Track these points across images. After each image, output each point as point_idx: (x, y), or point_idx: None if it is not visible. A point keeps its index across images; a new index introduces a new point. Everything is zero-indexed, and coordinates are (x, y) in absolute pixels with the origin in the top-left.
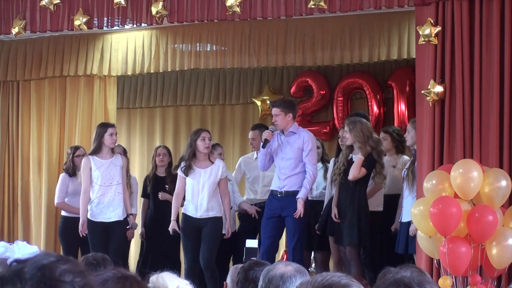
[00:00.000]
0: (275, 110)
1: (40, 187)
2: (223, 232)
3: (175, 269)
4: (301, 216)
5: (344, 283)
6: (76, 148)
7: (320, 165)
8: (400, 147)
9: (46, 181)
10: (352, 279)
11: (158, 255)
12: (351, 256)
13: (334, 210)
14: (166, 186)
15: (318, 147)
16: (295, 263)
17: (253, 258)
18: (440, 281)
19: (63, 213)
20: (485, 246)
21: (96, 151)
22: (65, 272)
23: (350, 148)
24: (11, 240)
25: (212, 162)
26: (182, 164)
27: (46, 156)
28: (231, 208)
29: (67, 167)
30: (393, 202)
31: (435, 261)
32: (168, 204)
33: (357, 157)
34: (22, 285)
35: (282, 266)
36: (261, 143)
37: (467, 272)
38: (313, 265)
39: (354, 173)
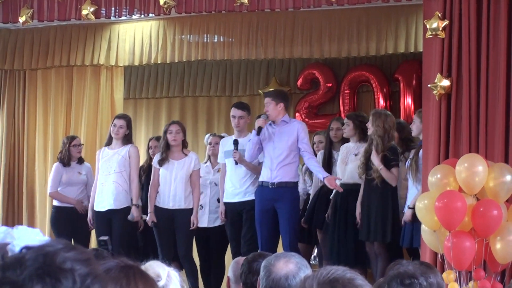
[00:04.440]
0: (266, 99)
1: (45, 176)
2: (192, 223)
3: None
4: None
5: (349, 277)
6: (73, 137)
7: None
8: (362, 134)
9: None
10: (355, 272)
11: (150, 245)
12: (379, 251)
13: (358, 209)
14: None
15: (321, 141)
16: (294, 256)
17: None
18: (444, 275)
19: (54, 202)
20: (489, 240)
21: (108, 142)
22: (66, 259)
23: (371, 141)
24: None
25: (186, 155)
26: (157, 155)
27: (52, 145)
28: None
29: (62, 156)
30: (352, 192)
31: (439, 256)
32: None
33: (375, 161)
34: (22, 270)
35: (283, 264)
36: (254, 131)
37: (471, 266)
38: (313, 257)
39: (390, 177)
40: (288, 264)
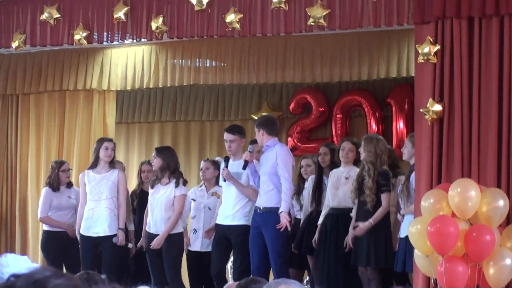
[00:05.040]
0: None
1: (38, 201)
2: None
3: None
4: (282, 230)
5: None
6: (62, 162)
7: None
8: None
9: None
10: None
11: (143, 269)
12: (373, 276)
13: (350, 233)
14: None
15: (309, 165)
16: (294, 283)
17: None
18: None
19: (45, 227)
20: (482, 266)
21: (93, 165)
22: (57, 286)
23: (363, 166)
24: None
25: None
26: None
27: (45, 169)
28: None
29: (51, 181)
30: (342, 216)
31: (432, 280)
32: None
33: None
34: None
35: None
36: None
37: None
38: (305, 282)
39: (384, 210)
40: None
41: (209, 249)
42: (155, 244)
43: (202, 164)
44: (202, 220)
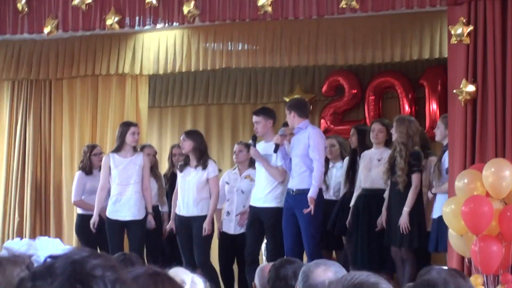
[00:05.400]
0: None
1: (72, 186)
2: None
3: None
4: (312, 213)
5: (373, 281)
6: (93, 146)
7: (339, 164)
8: (388, 141)
9: None
10: (380, 277)
11: (177, 251)
12: (407, 257)
13: (384, 214)
14: None
15: (333, 145)
16: (333, 265)
17: None
18: (471, 279)
19: (79, 211)
20: None
21: (118, 149)
22: (96, 266)
23: (395, 147)
24: None
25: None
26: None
27: (78, 154)
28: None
29: (83, 165)
30: (374, 197)
31: (466, 260)
32: None
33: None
34: (53, 279)
35: (321, 272)
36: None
37: (498, 271)
38: None
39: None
40: (326, 272)
41: (243, 230)
42: (207, 230)
43: (236, 147)
44: (235, 203)
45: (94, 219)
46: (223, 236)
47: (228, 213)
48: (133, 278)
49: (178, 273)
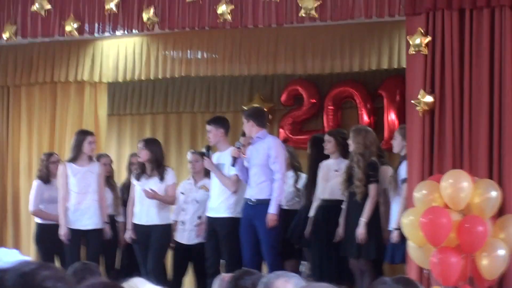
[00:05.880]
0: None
1: (29, 194)
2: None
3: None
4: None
5: None
6: (50, 154)
7: (290, 173)
8: (343, 151)
9: None
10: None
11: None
12: (365, 268)
13: (341, 225)
14: None
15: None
16: (294, 277)
17: None
18: None
19: (37, 220)
20: (475, 257)
21: (74, 158)
22: (46, 278)
23: (352, 158)
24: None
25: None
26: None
27: (36, 162)
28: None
29: (41, 174)
30: (333, 208)
31: (425, 271)
32: None
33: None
34: None
35: (281, 284)
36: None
37: (458, 282)
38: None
39: (372, 201)
40: (286, 284)
41: (196, 241)
42: (151, 195)
43: (191, 156)
44: (190, 213)
45: (64, 230)
46: (177, 246)
47: (182, 223)
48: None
49: (138, 284)
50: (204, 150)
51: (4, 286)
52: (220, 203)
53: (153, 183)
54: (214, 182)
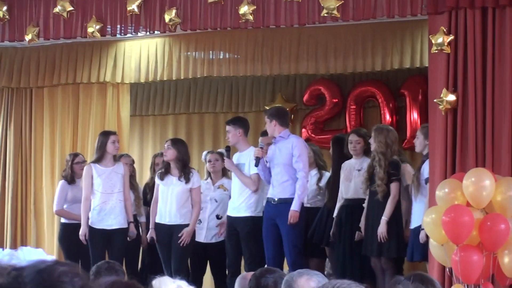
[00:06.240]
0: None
1: (53, 194)
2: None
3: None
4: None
5: None
6: (75, 155)
7: (313, 171)
8: (367, 150)
9: None
10: (361, 285)
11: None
12: (386, 266)
13: (362, 222)
14: None
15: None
16: (316, 275)
17: None
18: None
19: (62, 220)
20: (497, 254)
21: (99, 159)
22: (63, 273)
23: (373, 157)
24: None
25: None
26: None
27: (59, 163)
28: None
29: (66, 174)
30: (357, 207)
31: (447, 269)
32: None
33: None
34: None
35: (304, 282)
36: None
37: (479, 280)
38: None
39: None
40: (309, 282)
41: (213, 240)
42: (186, 237)
43: (209, 156)
44: (207, 212)
45: (84, 231)
46: (194, 245)
47: (200, 221)
48: (107, 285)
49: (164, 282)
50: (223, 150)
51: (24, 283)
52: (241, 203)
53: (178, 184)
54: (235, 182)
